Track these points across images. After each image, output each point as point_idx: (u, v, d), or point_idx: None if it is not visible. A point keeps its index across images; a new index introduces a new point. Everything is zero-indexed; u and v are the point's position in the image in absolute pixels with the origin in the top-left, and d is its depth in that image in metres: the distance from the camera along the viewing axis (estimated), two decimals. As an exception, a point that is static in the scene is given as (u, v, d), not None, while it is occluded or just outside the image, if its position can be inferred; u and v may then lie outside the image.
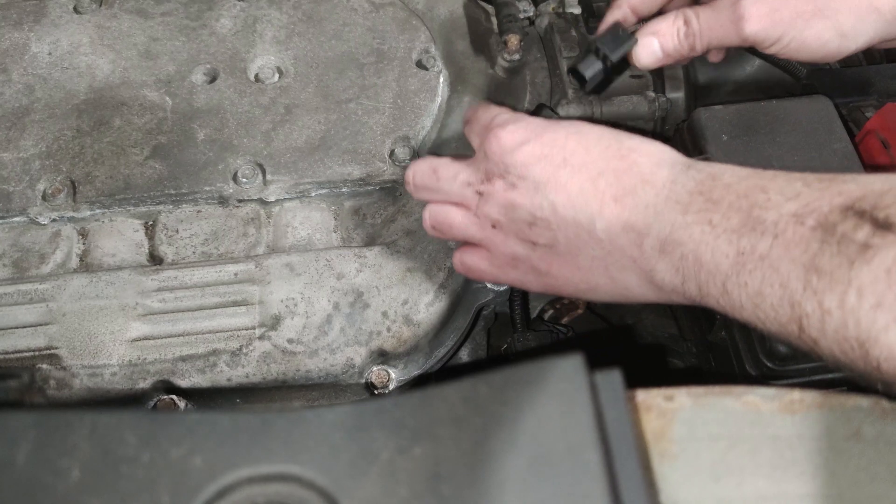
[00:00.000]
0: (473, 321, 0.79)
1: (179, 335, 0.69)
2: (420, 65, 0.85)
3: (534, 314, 0.86)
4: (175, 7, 0.89)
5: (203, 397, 0.69)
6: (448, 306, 0.73)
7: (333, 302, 0.71)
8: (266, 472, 0.40)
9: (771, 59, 0.83)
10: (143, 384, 0.68)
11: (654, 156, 0.57)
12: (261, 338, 0.69)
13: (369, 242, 0.76)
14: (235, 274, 0.72)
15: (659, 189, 0.54)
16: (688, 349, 0.82)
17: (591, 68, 0.75)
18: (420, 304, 0.72)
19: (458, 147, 0.82)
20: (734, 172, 0.53)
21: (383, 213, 0.78)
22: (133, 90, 0.82)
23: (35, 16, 0.88)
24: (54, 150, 0.78)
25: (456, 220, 0.65)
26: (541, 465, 0.39)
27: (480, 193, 0.62)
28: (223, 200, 0.77)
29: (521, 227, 0.60)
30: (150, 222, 0.77)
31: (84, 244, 0.76)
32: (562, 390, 0.41)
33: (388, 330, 0.71)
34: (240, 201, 0.77)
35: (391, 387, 0.71)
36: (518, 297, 0.80)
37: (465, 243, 0.67)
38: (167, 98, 0.82)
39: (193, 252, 0.75)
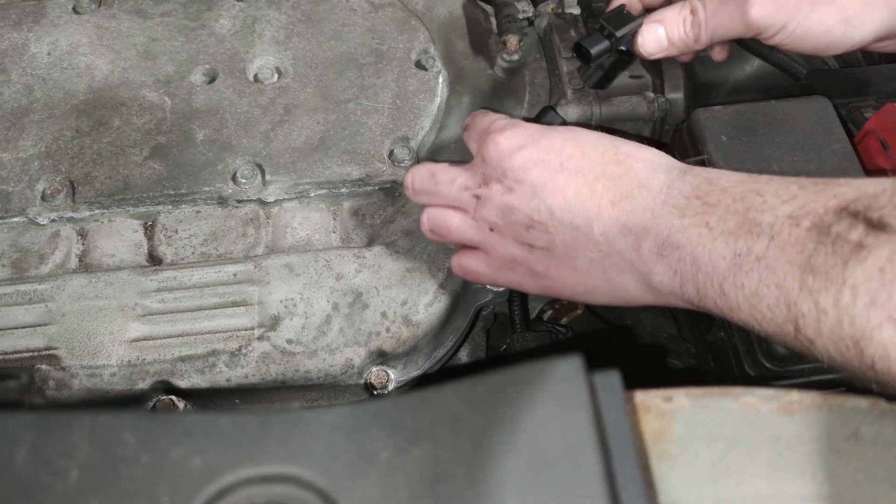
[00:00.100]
0: (473, 322, 0.79)
1: (178, 336, 0.69)
2: (419, 65, 0.85)
3: (533, 315, 0.86)
4: (174, 7, 0.89)
5: (202, 398, 0.69)
6: (447, 307, 0.73)
7: (332, 302, 0.71)
8: (265, 472, 0.40)
9: (771, 59, 0.83)
10: (143, 385, 0.68)
11: (651, 161, 0.57)
12: (260, 338, 0.69)
13: (368, 243, 0.76)
14: (234, 274, 0.72)
15: (656, 193, 0.54)
16: (687, 350, 0.82)
17: (597, 45, 0.75)
18: (419, 305, 0.72)
19: (457, 147, 0.82)
20: (730, 177, 0.53)
21: (382, 214, 0.78)
22: (132, 90, 0.82)
23: (34, 16, 0.88)
24: (53, 151, 0.78)
25: (454, 223, 0.65)
26: (540, 465, 0.39)
27: (478, 197, 0.62)
28: (222, 201, 0.77)
29: (519, 230, 0.60)
30: (150, 223, 0.77)
31: (83, 244, 0.76)
32: (561, 391, 0.41)
33: (388, 330, 0.71)
34: (239, 202, 0.77)
35: (390, 387, 0.71)
36: (517, 297, 0.80)
37: (464, 246, 0.67)
38: (166, 98, 0.82)
39: (192, 252, 0.75)
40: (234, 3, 0.89)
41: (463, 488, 0.39)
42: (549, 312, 0.86)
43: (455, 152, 0.82)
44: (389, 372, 0.72)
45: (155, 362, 0.68)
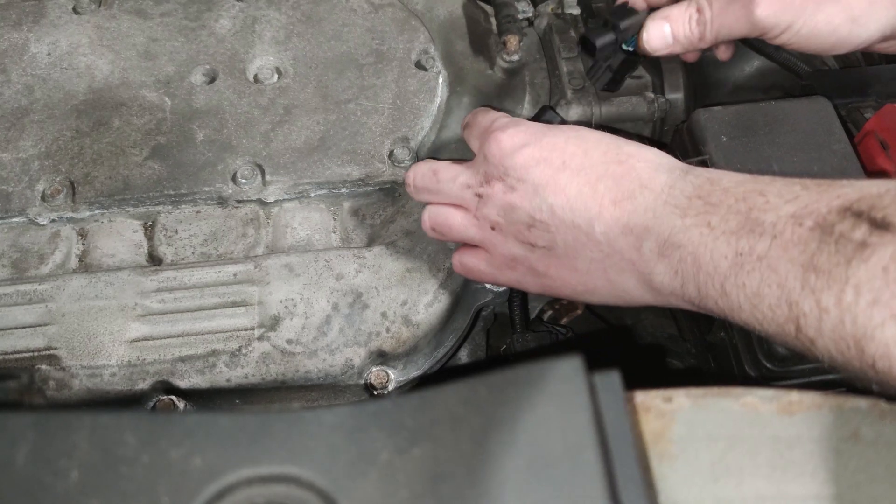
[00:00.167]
0: (473, 322, 0.79)
1: (178, 336, 0.69)
2: (419, 65, 0.85)
3: (533, 315, 0.86)
4: (174, 8, 0.89)
5: (202, 398, 0.69)
6: (447, 307, 0.73)
7: (332, 302, 0.71)
8: (266, 472, 0.40)
9: (774, 56, 0.83)
10: (143, 385, 0.68)
11: (653, 161, 0.57)
12: (260, 338, 0.69)
13: (368, 243, 0.76)
14: (234, 274, 0.72)
15: (657, 193, 0.54)
16: (687, 350, 0.82)
17: (602, 37, 0.75)
18: (419, 305, 0.72)
19: (457, 147, 0.82)
20: (732, 177, 0.53)
21: (382, 214, 0.78)
22: (132, 91, 0.82)
23: (34, 16, 0.88)
24: (53, 151, 0.78)
25: (455, 221, 0.65)
26: (540, 466, 0.39)
27: (480, 196, 0.62)
28: (222, 201, 0.77)
29: (520, 228, 0.60)
30: (150, 223, 0.77)
31: (83, 245, 0.76)
32: (561, 391, 0.41)
33: (388, 330, 0.71)
34: (239, 202, 0.77)
35: (390, 387, 0.71)
36: (517, 297, 0.80)
37: (465, 244, 0.67)
38: (166, 99, 0.82)
39: (192, 252, 0.75)
40: (234, 4, 0.89)
41: (463, 488, 0.39)
42: (549, 313, 0.86)
43: (455, 152, 0.82)
44: (389, 372, 0.72)
45: (155, 362, 0.68)
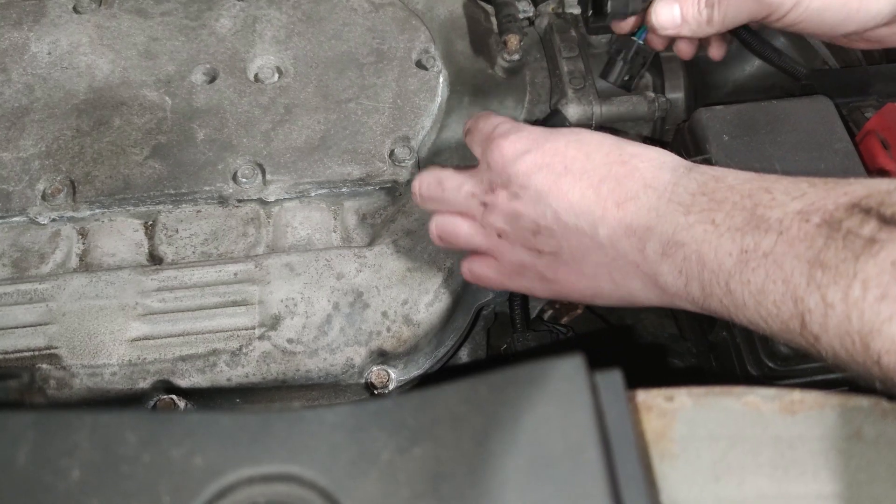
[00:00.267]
0: (473, 321, 0.79)
1: (179, 335, 0.69)
2: (420, 65, 0.85)
3: (533, 314, 0.86)
4: (174, 7, 0.88)
5: (203, 397, 0.69)
6: (448, 306, 0.73)
7: (333, 302, 0.71)
8: (267, 472, 0.40)
9: (772, 59, 0.83)
10: (143, 384, 0.68)
11: (656, 160, 0.57)
12: (260, 338, 0.69)
13: (369, 242, 0.76)
14: (235, 274, 0.72)
15: (661, 192, 0.54)
16: (687, 349, 0.82)
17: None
18: (420, 304, 0.72)
19: (458, 147, 0.82)
20: (737, 175, 0.53)
21: (383, 213, 0.78)
22: (133, 90, 0.82)
23: (34, 15, 0.88)
24: (54, 150, 0.78)
25: (462, 230, 0.65)
26: (541, 465, 0.39)
27: (485, 204, 0.62)
28: (223, 200, 0.77)
29: (526, 235, 0.60)
30: (150, 222, 0.77)
31: (84, 244, 0.76)
32: (562, 390, 0.41)
33: (388, 330, 0.71)
34: (239, 201, 0.77)
35: (391, 387, 0.71)
36: (518, 297, 0.80)
37: (473, 252, 0.68)
38: (167, 98, 0.82)
39: (193, 252, 0.75)
40: (235, 3, 0.89)
41: (464, 488, 0.39)
42: (550, 312, 0.86)
43: (456, 152, 0.82)
44: (390, 371, 0.72)
45: (155, 361, 0.68)
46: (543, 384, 0.41)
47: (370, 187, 0.78)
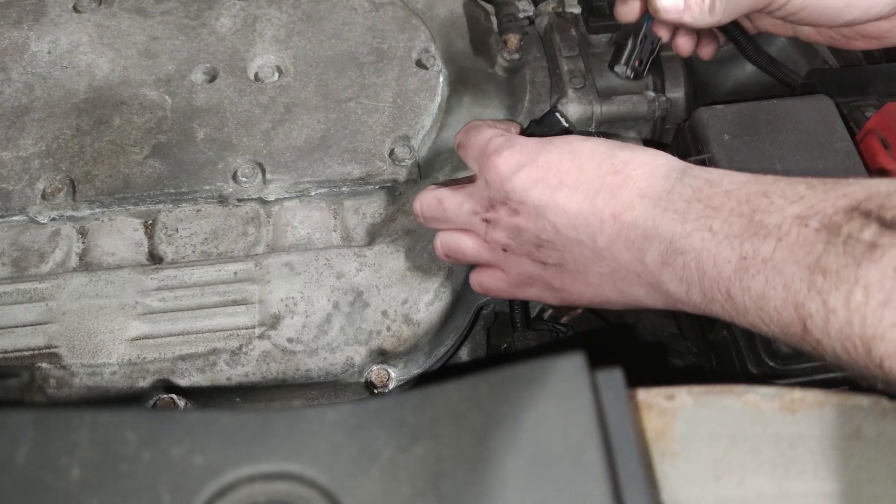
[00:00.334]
0: (473, 320, 0.79)
1: (179, 334, 0.69)
2: (420, 64, 0.85)
3: (533, 313, 0.86)
4: (175, 6, 0.88)
5: (203, 396, 0.69)
6: (448, 305, 0.73)
7: (333, 301, 0.71)
8: (267, 470, 0.40)
9: (767, 68, 0.83)
10: (143, 383, 0.68)
11: (649, 166, 0.56)
12: (260, 337, 0.69)
13: (369, 241, 0.76)
14: (235, 273, 0.72)
15: (656, 201, 0.54)
16: (687, 349, 0.82)
17: None
18: (420, 304, 0.72)
19: (458, 146, 0.82)
20: (734, 178, 0.53)
21: (383, 212, 0.78)
22: (133, 89, 0.82)
23: (35, 14, 0.88)
24: (54, 149, 0.78)
25: (468, 247, 0.66)
26: (542, 463, 0.39)
27: (487, 221, 0.63)
28: (223, 199, 0.77)
29: (531, 248, 0.61)
30: (150, 221, 0.77)
31: (83, 243, 0.75)
32: (563, 389, 0.41)
33: (388, 329, 0.71)
34: (239, 200, 0.77)
35: (391, 386, 0.71)
36: (518, 296, 0.80)
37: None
38: (167, 97, 0.82)
39: (193, 251, 0.75)
40: (235, 2, 0.89)
41: (465, 486, 0.39)
42: (550, 311, 0.86)
43: (455, 152, 0.82)
44: (390, 370, 0.72)
45: (155, 361, 0.68)
46: (544, 382, 0.41)
47: (370, 186, 0.78)
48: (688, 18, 0.71)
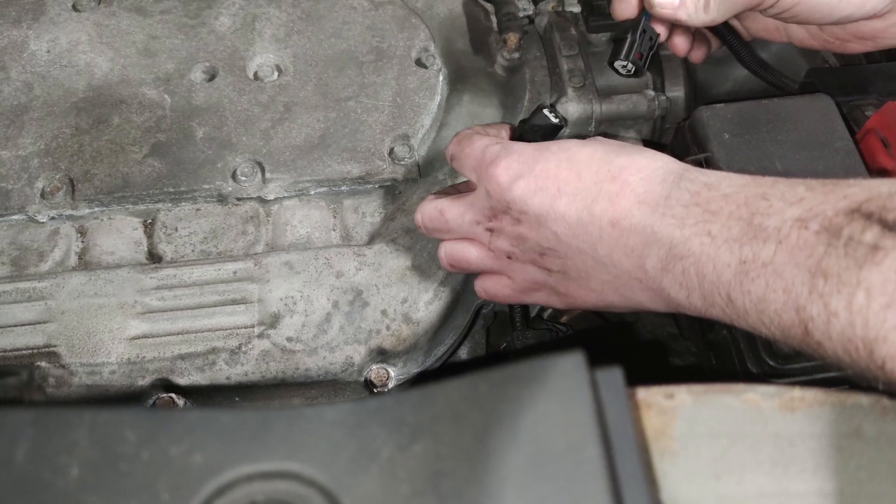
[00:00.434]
0: (473, 320, 0.78)
1: (178, 333, 0.69)
2: (419, 63, 0.85)
3: (533, 313, 0.86)
4: (174, 5, 0.88)
5: (202, 395, 0.69)
6: (447, 305, 0.73)
7: (333, 300, 0.71)
8: (266, 469, 0.40)
9: (762, 74, 0.82)
10: (142, 382, 0.68)
11: (646, 170, 0.56)
12: (260, 336, 0.69)
13: (369, 241, 0.76)
14: (234, 272, 0.72)
15: (654, 207, 0.54)
16: (687, 348, 0.82)
17: None
18: (419, 303, 0.72)
19: (457, 145, 0.82)
20: (732, 180, 0.52)
21: (382, 212, 0.78)
22: (132, 88, 0.82)
23: (34, 13, 0.88)
24: (53, 148, 0.78)
25: (472, 256, 0.66)
26: (542, 462, 0.39)
27: (491, 230, 0.63)
28: (222, 198, 0.77)
29: (535, 256, 0.62)
30: (149, 220, 0.77)
31: (83, 242, 0.75)
32: (563, 387, 0.41)
33: (388, 328, 0.71)
34: (239, 199, 0.77)
35: (390, 385, 0.71)
36: (517, 295, 0.80)
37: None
38: (166, 96, 0.82)
39: (192, 250, 0.75)
40: (235, 1, 0.89)
41: (464, 485, 0.39)
42: (549, 310, 0.86)
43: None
44: (389, 370, 0.72)
45: (155, 360, 0.68)
46: (544, 381, 0.41)
47: (370, 185, 0.78)
48: (682, 15, 0.71)
